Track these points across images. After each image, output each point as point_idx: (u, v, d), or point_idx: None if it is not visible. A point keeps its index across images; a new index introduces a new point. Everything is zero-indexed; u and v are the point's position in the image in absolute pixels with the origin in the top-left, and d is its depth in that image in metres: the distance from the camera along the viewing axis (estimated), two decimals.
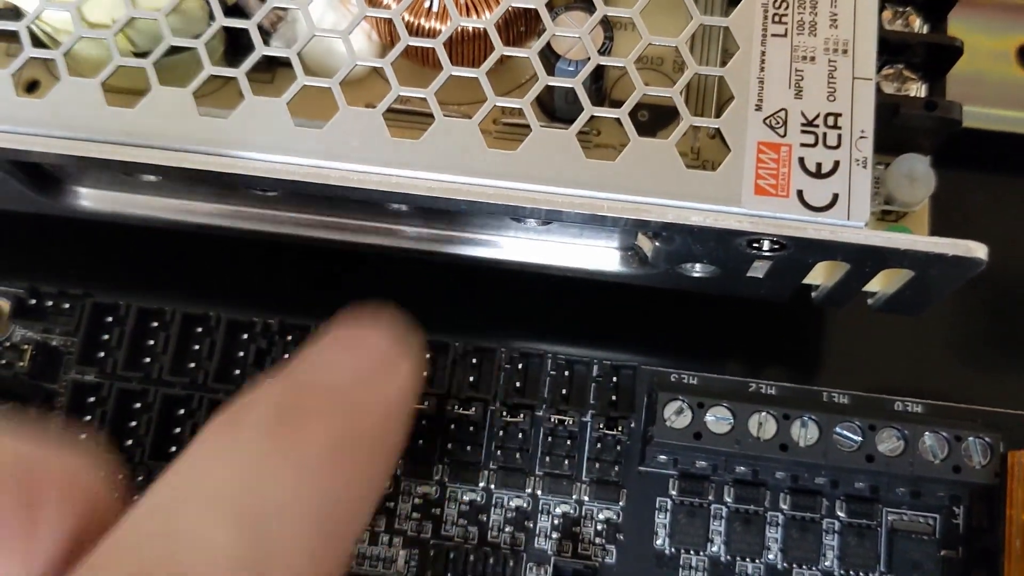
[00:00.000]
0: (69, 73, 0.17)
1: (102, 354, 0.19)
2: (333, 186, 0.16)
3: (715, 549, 0.18)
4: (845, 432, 0.16)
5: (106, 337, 0.19)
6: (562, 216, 0.16)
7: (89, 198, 0.20)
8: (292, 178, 0.16)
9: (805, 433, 0.16)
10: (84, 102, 0.17)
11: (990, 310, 0.23)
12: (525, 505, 0.18)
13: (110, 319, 0.19)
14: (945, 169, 0.19)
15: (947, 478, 0.16)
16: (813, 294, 0.19)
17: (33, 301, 0.19)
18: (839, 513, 0.18)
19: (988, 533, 0.17)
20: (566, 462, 0.18)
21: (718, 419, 0.16)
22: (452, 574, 0.18)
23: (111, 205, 0.20)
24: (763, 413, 0.16)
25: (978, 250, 0.16)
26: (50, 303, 0.19)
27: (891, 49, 0.18)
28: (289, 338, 0.18)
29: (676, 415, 0.16)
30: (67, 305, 0.19)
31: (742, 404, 0.16)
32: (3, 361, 0.19)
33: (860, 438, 0.16)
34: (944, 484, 0.16)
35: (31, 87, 0.20)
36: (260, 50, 0.17)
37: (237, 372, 0.18)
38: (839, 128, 0.16)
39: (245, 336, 0.19)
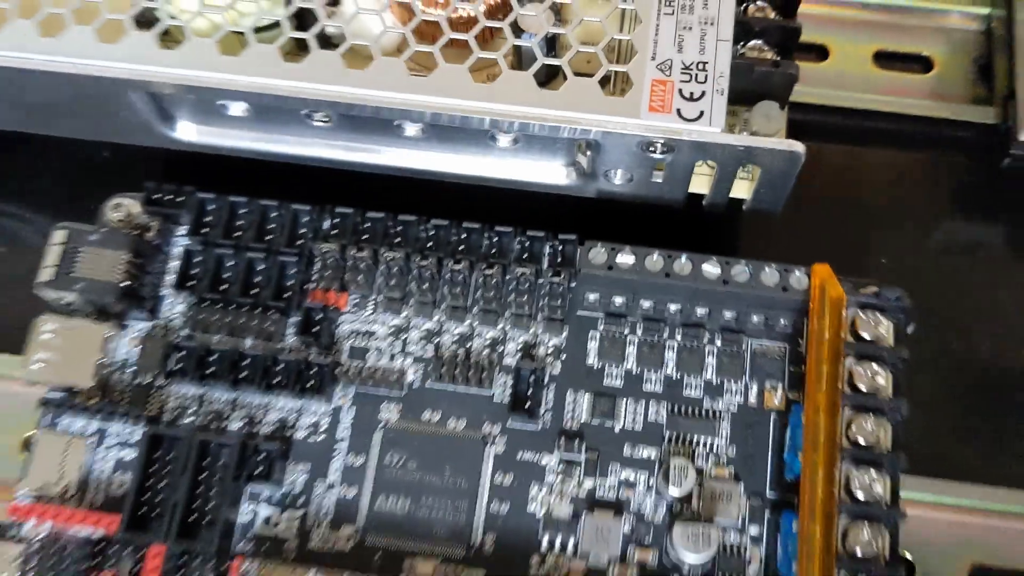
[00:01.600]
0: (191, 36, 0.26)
1: None
2: (377, 107, 0.25)
3: (628, 365, 0.26)
4: (709, 267, 0.24)
5: None
6: (528, 129, 0.25)
7: (190, 131, 0.28)
8: (354, 101, 0.25)
9: (683, 267, 0.24)
10: (206, 55, 0.25)
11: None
12: (497, 335, 0.26)
13: None
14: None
15: (778, 296, 0.24)
16: (703, 202, 0.27)
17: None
18: (717, 342, 0.26)
19: None
20: (526, 307, 0.26)
21: (625, 257, 0.24)
22: (448, 378, 0.25)
23: (206, 137, 0.28)
24: (655, 255, 0.24)
25: (797, 146, 0.24)
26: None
27: (752, 31, 0.27)
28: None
29: (596, 256, 0.24)
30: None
31: (642, 248, 0.24)
32: None
33: (719, 270, 0.24)
34: (779, 305, 0.24)
35: None
36: (322, 22, 0.26)
37: None
38: (705, 71, 0.25)
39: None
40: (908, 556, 0.27)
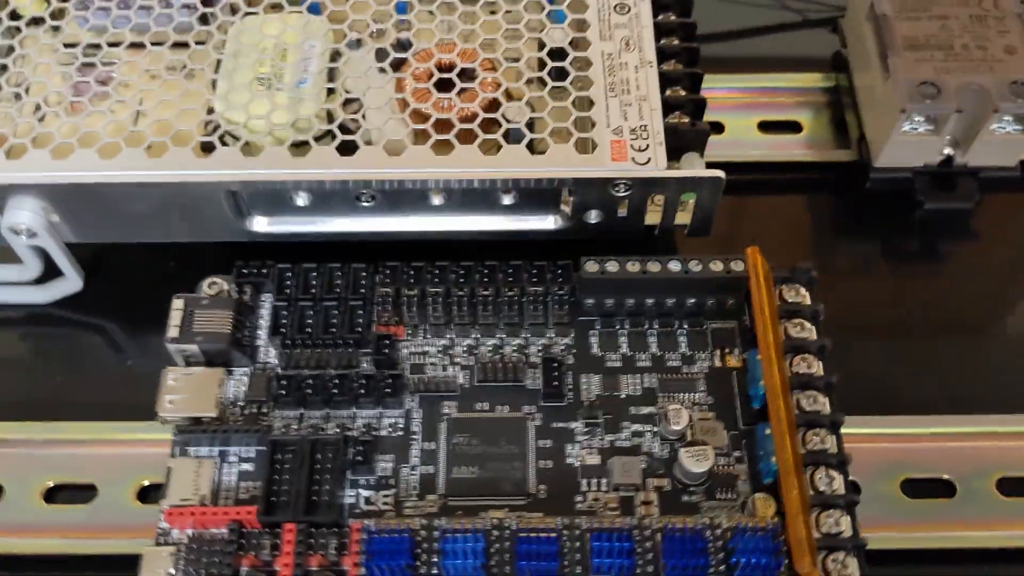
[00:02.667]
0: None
1: None
2: (412, 181, 0.34)
3: (623, 350, 0.34)
4: (673, 264, 0.33)
5: None
6: (527, 184, 0.34)
7: (262, 223, 0.36)
8: (395, 178, 0.34)
9: (654, 266, 0.33)
10: (280, 158, 0.34)
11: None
12: (522, 342, 0.34)
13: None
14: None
15: (725, 278, 0.33)
16: (655, 231, 0.37)
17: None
18: (685, 325, 0.34)
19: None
20: (541, 317, 0.34)
21: (611, 264, 0.33)
22: (490, 378, 0.33)
23: (275, 227, 0.36)
24: (633, 260, 0.33)
25: (719, 172, 0.34)
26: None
27: (672, 106, 0.37)
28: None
29: (590, 267, 0.33)
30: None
31: (623, 256, 0.33)
32: None
33: (680, 265, 0.33)
34: (726, 286, 0.33)
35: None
36: (364, 126, 0.35)
37: None
38: (647, 131, 0.34)
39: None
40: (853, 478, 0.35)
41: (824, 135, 0.43)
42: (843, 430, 0.35)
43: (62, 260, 0.37)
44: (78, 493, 0.36)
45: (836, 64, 0.43)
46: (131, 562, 0.31)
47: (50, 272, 0.38)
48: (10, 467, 0.36)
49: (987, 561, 0.34)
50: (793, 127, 0.44)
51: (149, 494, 0.36)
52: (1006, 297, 0.40)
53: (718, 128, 0.43)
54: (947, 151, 0.39)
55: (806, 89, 0.44)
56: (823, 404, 0.31)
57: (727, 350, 0.34)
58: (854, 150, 0.41)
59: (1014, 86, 0.37)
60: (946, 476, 0.35)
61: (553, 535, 0.29)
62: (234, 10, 0.38)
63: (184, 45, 0.37)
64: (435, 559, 0.29)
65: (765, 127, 0.43)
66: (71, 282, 0.39)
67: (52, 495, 0.36)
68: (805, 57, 0.46)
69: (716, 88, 0.43)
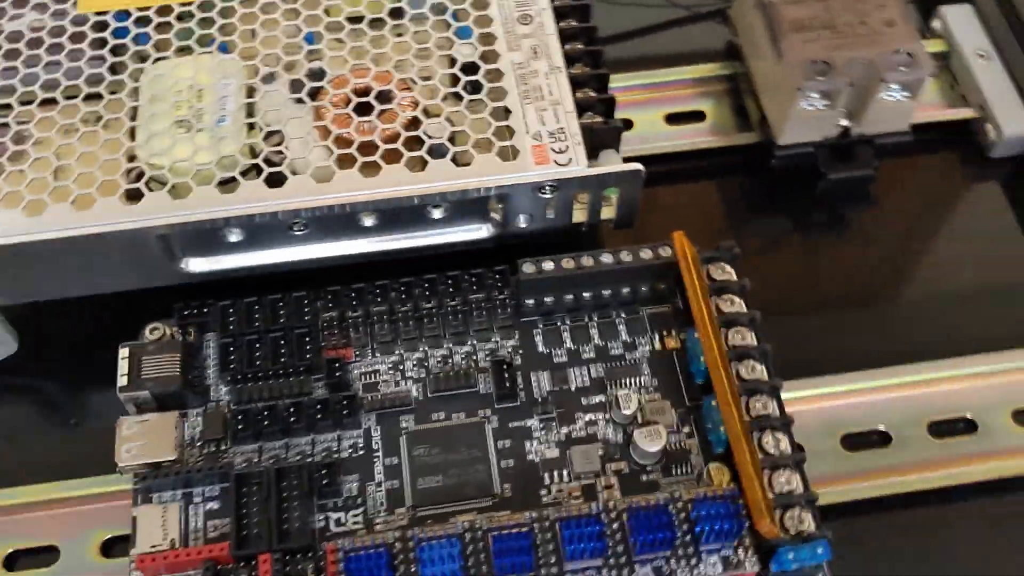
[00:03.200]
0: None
1: None
2: (343, 204, 0.34)
3: (567, 344, 0.35)
4: (605, 257, 0.34)
5: None
6: (457, 196, 0.35)
7: (199, 264, 0.36)
8: (322, 204, 0.34)
9: (587, 260, 0.34)
10: (210, 196, 0.34)
11: None
12: (469, 349, 0.35)
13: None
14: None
15: (655, 264, 0.34)
16: (583, 227, 0.38)
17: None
18: (623, 314, 0.36)
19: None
20: (485, 323, 0.35)
21: (547, 263, 0.34)
22: (443, 387, 0.34)
23: (214, 265, 0.37)
24: (567, 258, 0.34)
25: (638, 166, 0.35)
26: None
27: (584, 108, 0.38)
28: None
29: (527, 268, 0.34)
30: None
31: (557, 255, 0.34)
32: None
33: (612, 257, 0.34)
34: (657, 272, 0.35)
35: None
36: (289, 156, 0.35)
37: None
38: (564, 133, 0.36)
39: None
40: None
41: (727, 121, 0.45)
42: (781, 395, 0.37)
43: None
44: (39, 557, 0.36)
45: (729, 53, 0.46)
46: None
47: None
48: None
49: (926, 503, 0.37)
50: (697, 116, 0.46)
51: (112, 548, 0.36)
52: (910, 252, 0.43)
53: (627, 124, 0.45)
54: (843, 123, 0.41)
55: (704, 79, 0.46)
56: (761, 372, 0.33)
57: (665, 333, 0.36)
58: (757, 132, 0.44)
59: (896, 55, 0.39)
60: (881, 427, 0.37)
61: (525, 529, 0.30)
62: (143, 58, 0.38)
63: (98, 96, 0.37)
64: (414, 569, 0.29)
65: (671, 119, 0.45)
66: (5, 346, 0.38)
67: (12, 562, 0.36)
68: (700, 50, 0.48)
69: (619, 87, 0.45)
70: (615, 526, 0.30)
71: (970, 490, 0.36)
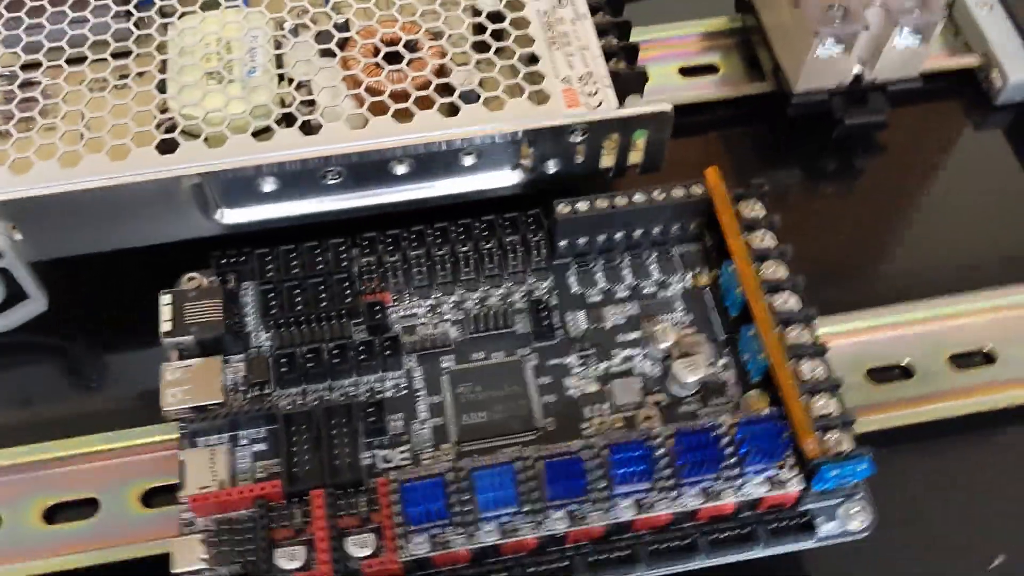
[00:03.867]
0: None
1: None
2: (378, 151, 0.35)
3: (601, 284, 0.36)
4: (639, 195, 0.35)
5: None
6: (497, 138, 0.35)
7: (234, 216, 0.37)
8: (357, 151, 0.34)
9: (621, 200, 0.35)
10: (244, 145, 0.35)
11: None
12: (504, 291, 0.36)
13: None
14: None
15: (688, 201, 0.35)
16: (611, 173, 0.39)
17: None
18: (654, 254, 0.36)
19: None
20: (520, 266, 0.36)
21: (581, 203, 0.35)
22: (481, 328, 0.35)
23: (249, 216, 0.37)
24: (601, 197, 0.35)
25: (667, 106, 0.36)
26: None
27: (608, 55, 0.39)
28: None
29: (561, 208, 0.35)
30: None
31: (591, 195, 0.35)
32: None
33: (645, 195, 0.35)
34: (690, 210, 0.35)
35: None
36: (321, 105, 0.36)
37: None
38: (593, 76, 0.36)
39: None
40: None
41: (739, 73, 0.46)
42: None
43: (27, 281, 0.37)
44: (79, 509, 0.36)
45: (740, 6, 0.46)
46: (148, 565, 0.32)
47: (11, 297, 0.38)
48: (4, 495, 0.35)
49: (948, 433, 0.38)
50: (710, 69, 0.46)
51: (153, 498, 0.36)
52: (920, 197, 0.44)
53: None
54: (857, 70, 0.42)
55: (715, 33, 0.47)
56: (794, 302, 0.34)
57: (697, 270, 0.36)
58: (770, 82, 0.44)
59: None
60: (905, 361, 0.38)
61: (575, 456, 0.30)
62: (166, 13, 0.38)
63: (126, 53, 0.37)
64: (467, 497, 0.30)
65: (684, 72, 0.46)
66: (36, 303, 0.38)
67: (51, 516, 0.36)
68: (707, 5, 0.49)
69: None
70: (662, 450, 0.31)
71: (989, 418, 0.38)
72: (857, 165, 0.45)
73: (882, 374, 0.38)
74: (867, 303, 0.40)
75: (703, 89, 0.45)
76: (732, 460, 0.31)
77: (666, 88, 0.45)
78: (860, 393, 0.38)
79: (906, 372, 0.38)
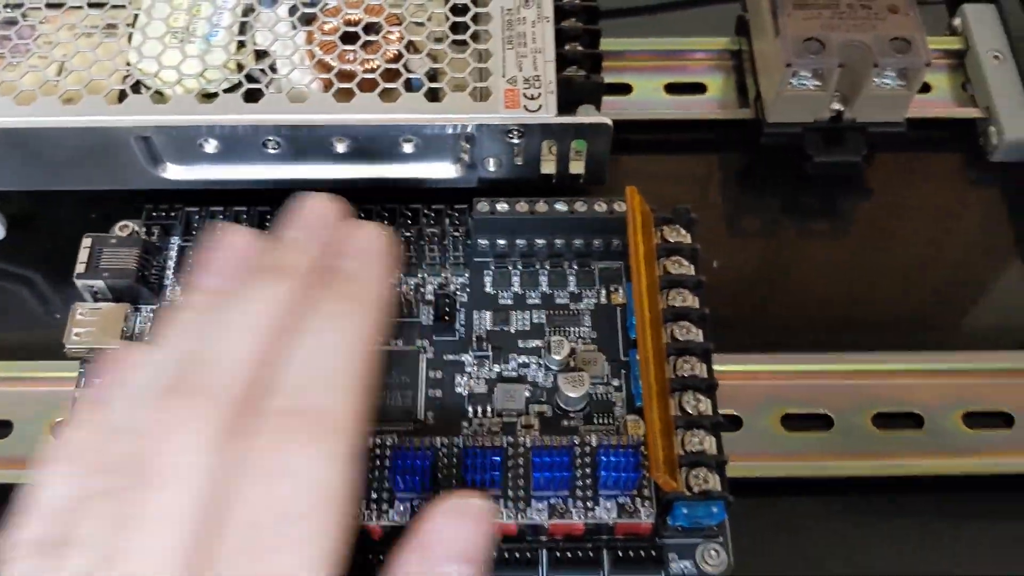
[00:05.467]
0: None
1: None
2: (315, 127, 0.35)
3: (515, 288, 0.36)
4: (559, 205, 0.35)
5: None
6: (425, 131, 0.35)
7: (177, 171, 0.38)
8: (302, 124, 0.35)
9: (542, 207, 0.35)
10: (189, 104, 0.36)
11: None
12: (419, 281, 0.36)
13: None
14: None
15: (608, 218, 0.34)
16: (553, 180, 0.38)
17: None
18: (574, 266, 0.36)
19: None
20: (438, 258, 0.36)
21: (502, 205, 0.35)
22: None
23: (189, 174, 0.38)
24: (522, 202, 0.35)
25: (606, 119, 0.35)
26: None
27: (568, 60, 0.38)
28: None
29: (482, 207, 0.35)
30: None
31: (513, 198, 0.35)
32: None
33: (566, 206, 0.35)
34: (610, 227, 0.35)
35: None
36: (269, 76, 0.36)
37: None
38: (540, 81, 0.36)
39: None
40: (735, 413, 0.37)
41: (727, 96, 0.45)
42: (730, 367, 0.37)
43: None
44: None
45: (739, 28, 0.45)
46: None
47: None
48: None
49: (863, 489, 0.36)
50: (698, 88, 0.45)
51: None
52: (890, 246, 0.42)
53: (625, 89, 0.45)
54: (836, 107, 0.41)
55: (712, 52, 0.46)
56: (696, 334, 0.33)
57: (613, 288, 0.36)
58: (752, 108, 0.43)
59: (894, 42, 0.39)
60: (824, 411, 0.37)
61: (429, 451, 0.30)
62: None
63: (101, 4, 0.39)
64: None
65: (671, 88, 0.45)
66: None
67: None
68: (715, 23, 0.48)
69: (626, 51, 0.45)
70: (520, 460, 0.30)
71: (908, 483, 0.36)
72: (836, 204, 0.43)
73: (798, 422, 0.37)
74: (802, 346, 0.38)
75: (685, 108, 0.45)
76: (587, 481, 0.30)
77: (648, 102, 0.45)
78: (770, 437, 0.36)
79: (825, 422, 0.37)
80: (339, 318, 0.25)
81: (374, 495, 0.30)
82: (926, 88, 0.45)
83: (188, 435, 0.22)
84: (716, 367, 0.35)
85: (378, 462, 0.30)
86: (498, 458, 0.30)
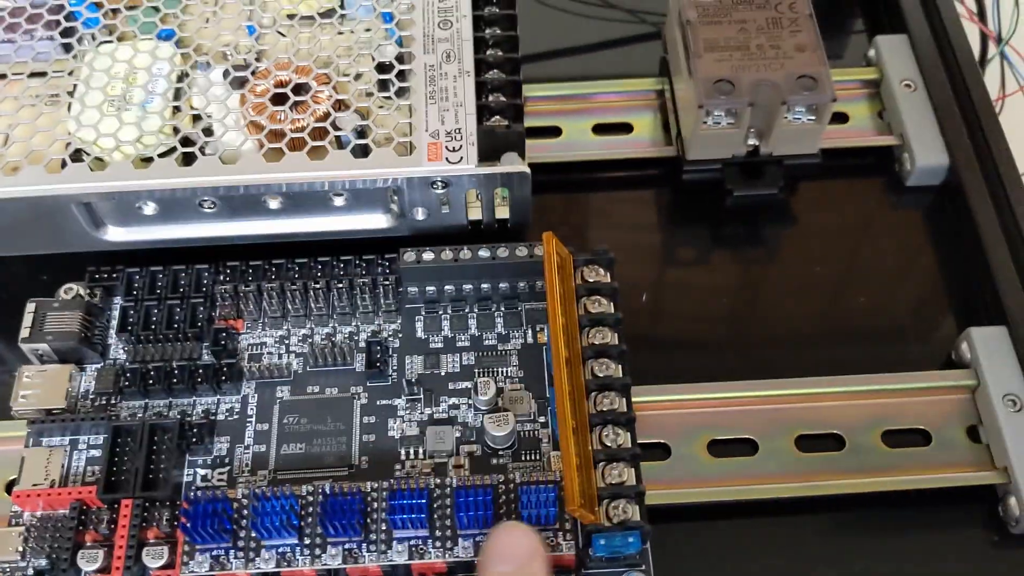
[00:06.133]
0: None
1: None
2: (247, 186, 0.37)
3: (445, 332, 0.37)
4: (483, 251, 0.36)
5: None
6: (354, 184, 0.37)
7: (118, 233, 0.39)
8: (231, 184, 0.37)
9: (466, 253, 0.36)
10: (126, 171, 0.37)
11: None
12: (353, 329, 0.37)
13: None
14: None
15: (529, 261, 0.36)
16: (482, 225, 0.40)
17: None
18: (501, 308, 0.38)
19: None
20: (370, 306, 0.37)
21: (427, 253, 0.36)
22: (321, 363, 0.36)
23: (130, 236, 0.39)
24: (447, 250, 0.36)
25: (524, 167, 0.37)
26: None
27: (492, 111, 0.40)
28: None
29: (408, 256, 0.36)
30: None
31: (438, 247, 0.36)
32: None
33: (489, 252, 0.36)
34: (532, 269, 0.36)
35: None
36: (201, 140, 0.38)
37: None
38: (461, 134, 0.38)
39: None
40: (664, 441, 0.38)
41: (653, 135, 0.46)
42: (655, 397, 0.38)
43: None
44: None
45: (662, 69, 0.47)
46: None
47: None
48: None
49: (787, 512, 0.38)
50: (625, 128, 0.47)
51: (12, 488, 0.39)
52: (813, 270, 0.44)
53: (555, 132, 0.47)
54: (752, 142, 0.43)
55: (637, 92, 0.47)
56: (616, 370, 0.34)
57: (539, 328, 0.37)
58: (675, 146, 0.45)
59: (801, 80, 0.40)
60: (748, 436, 0.38)
61: (358, 496, 0.32)
62: (85, 40, 0.41)
63: (45, 74, 0.41)
64: (246, 522, 0.32)
65: (599, 129, 0.47)
66: None
67: None
68: (639, 64, 0.50)
69: (552, 96, 0.47)
70: (446, 501, 0.32)
71: (830, 502, 0.37)
72: (760, 235, 0.45)
73: (724, 448, 0.38)
74: (728, 374, 0.40)
75: (613, 148, 0.46)
76: (512, 518, 0.32)
77: (577, 144, 0.46)
78: (696, 464, 0.38)
79: (751, 447, 0.39)
80: None
81: (307, 540, 0.31)
82: (844, 118, 0.47)
83: None
84: (645, 397, 0.37)
85: (311, 508, 0.32)
86: (424, 500, 0.31)
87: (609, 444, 0.33)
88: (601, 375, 0.34)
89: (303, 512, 0.32)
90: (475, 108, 0.39)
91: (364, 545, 0.32)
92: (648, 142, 0.46)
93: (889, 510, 0.37)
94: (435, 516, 0.32)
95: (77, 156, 0.38)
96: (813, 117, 0.41)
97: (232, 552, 0.32)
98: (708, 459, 0.38)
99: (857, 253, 0.44)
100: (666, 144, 0.46)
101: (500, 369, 0.36)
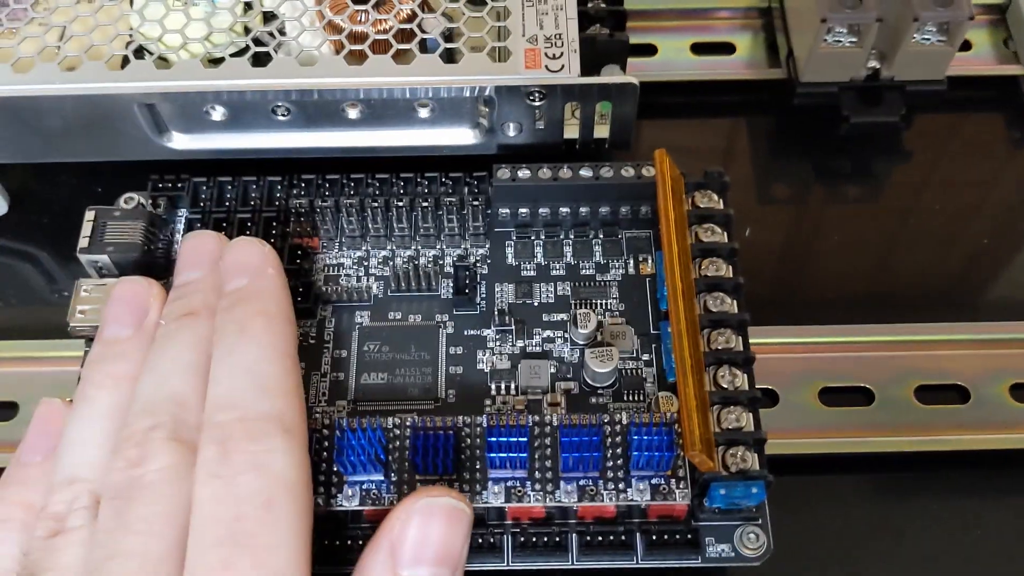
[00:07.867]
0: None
1: None
2: (324, 91, 0.33)
3: (538, 259, 0.34)
4: (584, 171, 0.33)
5: None
6: (441, 93, 0.34)
7: (182, 141, 0.36)
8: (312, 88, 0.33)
9: (565, 173, 0.33)
10: (194, 70, 0.34)
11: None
12: (437, 253, 0.34)
13: None
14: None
15: (636, 183, 0.33)
16: (577, 145, 0.37)
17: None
18: (600, 235, 0.34)
19: None
20: (457, 229, 0.34)
21: (523, 171, 0.33)
22: (404, 287, 0.33)
23: (196, 144, 0.36)
24: (544, 168, 0.33)
25: (632, 79, 0.34)
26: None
27: (592, 18, 0.37)
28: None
29: (502, 174, 0.33)
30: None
31: (535, 164, 0.33)
32: None
33: (591, 172, 0.33)
34: (638, 192, 0.33)
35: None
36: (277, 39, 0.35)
37: None
38: (562, 39, 0.34)
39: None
40: (772, 387, 0.35)
41: (757, 56, 0.43)
42: (764, 340, 0.35)
43: None
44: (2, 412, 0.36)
45: None
46: None
47: None
48: None
49: (905, 466, 0.35)
50: (727, 48, 0.43)
51: None
52: (929, 211, 0.40)
53: (650, 50, 0.43)
54: (873, 64, 0.39)
55: (740, 10, 0.44)
56: (730, 305, 0.31)
57: (641, 258, 0.34)
58: (784, 68, 0.41)
59: None
60: (864, 384, 0.35)
61: (451, 431, 0.29)
62: None
63: None
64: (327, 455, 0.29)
65: (698, 49, 0.43)
66: None
67: None
68: None
69: (649, 9, 0.43)
70: (547, 440, 0.29)
71: (953, 458, 0.34)
72: (871, 167, 0.41)
73: (837, 396, 0.35)
74: (840, 317, 0.37)
75: (713, 68, 0.43)
76: (619, 462, 0.29)
77: (674, 63, 0.43)
78: (807, 413, 0.35)
79: (866, 397, 0.35)
80: (250, 333, 0.28)
81: (394, 476, 0.29)
82: (966, 45, 0.42)
83: (160, 457, 0.26)
84: (751, 340, 0.34)
85: (397, 442, 0.29)
86: (524, 438, 0.28)
87: (725, 386, 0.30)
88: (715, 310, 0.31)
89: (389, 447, 0.29)
90: (576, 12, 0.35)
91: (456, 485, 0.29)
92: (752, 63, 0.43)
93: (1018, 469, 0.34)
94: (535, 456, 0.29)
95: (140, 53, 0.35)
96: (944, 38, 0.38)
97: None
98: (819, 407, 0.35)
99: (979, 191, 0.41)
100: (769, 66, 0.43)
101: (599, 301, 0.33)
